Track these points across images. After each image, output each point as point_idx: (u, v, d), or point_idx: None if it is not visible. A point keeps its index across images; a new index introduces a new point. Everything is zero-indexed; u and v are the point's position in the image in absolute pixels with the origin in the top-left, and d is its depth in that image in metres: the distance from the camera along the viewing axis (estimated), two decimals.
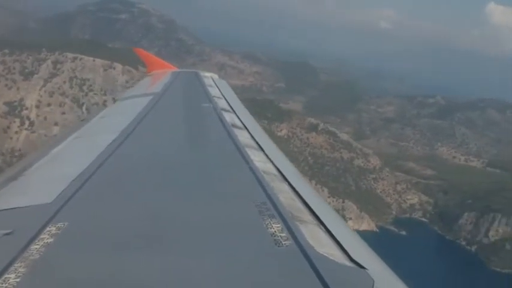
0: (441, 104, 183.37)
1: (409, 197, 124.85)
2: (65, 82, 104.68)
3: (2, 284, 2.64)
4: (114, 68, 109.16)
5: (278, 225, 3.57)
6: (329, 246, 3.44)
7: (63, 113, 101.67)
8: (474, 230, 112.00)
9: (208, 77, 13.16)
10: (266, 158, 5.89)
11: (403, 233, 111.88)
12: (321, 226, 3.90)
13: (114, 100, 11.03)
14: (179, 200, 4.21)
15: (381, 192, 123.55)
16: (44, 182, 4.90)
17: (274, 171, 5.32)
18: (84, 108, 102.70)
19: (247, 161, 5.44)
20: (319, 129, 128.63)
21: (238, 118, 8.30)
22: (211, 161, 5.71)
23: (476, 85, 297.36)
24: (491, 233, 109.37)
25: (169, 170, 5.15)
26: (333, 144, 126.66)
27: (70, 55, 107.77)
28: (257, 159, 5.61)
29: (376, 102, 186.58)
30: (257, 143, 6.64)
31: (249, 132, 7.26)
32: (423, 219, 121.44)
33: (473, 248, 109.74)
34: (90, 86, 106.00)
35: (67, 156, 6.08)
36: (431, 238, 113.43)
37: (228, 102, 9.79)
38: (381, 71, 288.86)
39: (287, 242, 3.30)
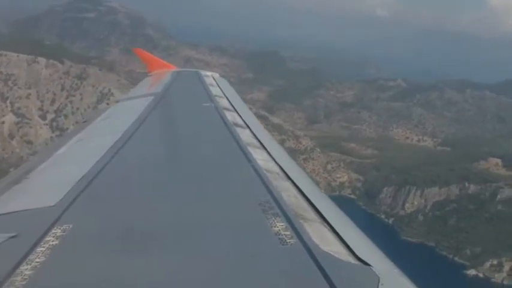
0: (402, 87, 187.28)
1: (338, 176, 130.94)
2: None
3: (9, 286, 2.74)
4: (38, 62, 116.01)
5: (282, 224, 3.62)
6: (333, 244, 3.50)
7: None
8: (393, 203, 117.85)
9: (209, 76, 13.35)
10: (269, 156, 5.94)
11: None
12: (325, 224, 3.94)
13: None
14: (183, 201, 4.30)
15: (310, 171, 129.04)
16: (47, 185, 5.05)
17: (277, 170, 5.37)
18: (8, 102, 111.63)
19: (249, 159, 5.47)
20: None
21: (240, 117, 8.35)
22: (214, 160, 5.76)
23: (464, 67, 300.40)
24: (407, 205, 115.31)
25: (172, 170, 5.26)
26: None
27: None
28: (260, 157, 5.66)
29: (336, 87, 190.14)
30: (259, 141, 6.68)
31: (251, 131, 7.31)
32: (352, 196, 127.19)
33: (391, 221, 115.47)
34: (15, 80, 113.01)
35: (70, 158, 6.20)
36: (351, 213, 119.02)
37: (229, 101, 9.91)
38: (369, 57, 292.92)
39: (291, 241, 3.35)
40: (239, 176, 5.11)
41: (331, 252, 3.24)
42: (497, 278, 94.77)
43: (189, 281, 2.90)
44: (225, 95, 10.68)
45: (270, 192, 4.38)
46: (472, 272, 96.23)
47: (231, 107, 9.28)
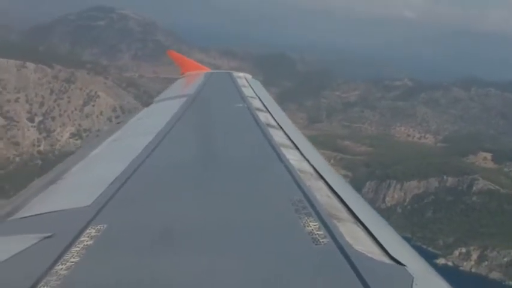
0: (408, 86, 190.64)
1: None
2: None
3: (44, 286, 2.81)
4: (27, 67, 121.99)
5: (315, 224, 3.71)
6: (367, 244, 3.59)
7: None
8: (374, 197, 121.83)
9: (242, 77, 13.68)
10: (302, 156, 6.17)
11: None
12: (358, 223, 4.05)
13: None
14: (216, 201, 4.44)
15: None
16: (82, 185, 5.23)
17: (310, 170, 5.55)
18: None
19: (282, 160, 5.66)
20: None
21: (273, 118, 8.67)
22: (247, 160, 5.95)
23: (483, 65, 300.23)
24: (387, 199, 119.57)
25: (205, 170, 5.41)
26: None
27: None
28: (293, 158, 5.86)
29: (342, 88, 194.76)
30: (292, 142, 6.95)
31: (284, 132, 7.60)
32: None
33: None
34: (5, 85, 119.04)
35: (105, 158, 6.46)
36: None
37: (262, 102, 10.22)
38: (389, 58, 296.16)
39: (325, 240, 3.42)
40: (272, 176, 5.22)
41: (364, 252, 3.31)
42: (466, 266, 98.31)
43: (223, 280, 2.98)
44: (257, 95, 10.95)
45: (303, 191, 4.48)
46: (441, 260, 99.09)
47: (263, 108, 9.50)
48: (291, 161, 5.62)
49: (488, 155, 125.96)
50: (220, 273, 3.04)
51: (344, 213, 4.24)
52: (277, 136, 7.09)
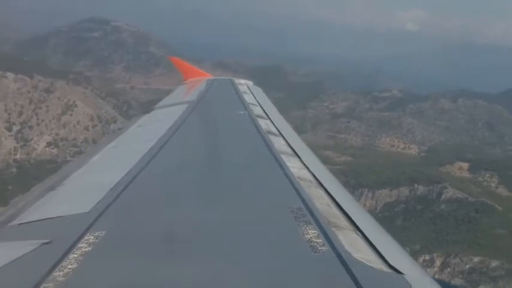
0: (397, 97, 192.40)
1: None
2: None
3: None
4: (7, 77, 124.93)
5: (314, 231, 3.72)
6: (366, 252, 3.60)
7: None
8: None
9: (243, 84, 13.89)
10: (302, 164, 6.20)
11: None
12: (358, 232, 4.07)
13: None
14: (216, 207, 4.47)
15: None
16: (81, 192, 5.28)
17: (310, 178, 5.58)
18: None
19: (282, 167, 5.69)
20: None
21: (274, 125, 8.71)
22: (247, 167, 5.99)
23: (482, 77, 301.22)
24: None
25: (205, 177, 5.48)
26: None
27: None
28: (293, 165, 5.90)
29: (331, 99, 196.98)
30: (293, 149, 6.98)
31: (285, 139, 7.62)
32: None
33: None
34: None
35: (104, 165, 6.52)
36: None
37: (263, 109, 10.36)
38: (387, 71, 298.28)
39: (323, 248, 3.44)
40: (272, 183, 5.33)
41: (363, 260, 3.34)
42: (429, 272, 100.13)
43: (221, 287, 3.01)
44: (258, 102, 11.08)
45: (303, 199, 4.51)
46: None
47: (264, 115, 9.56)
48: (291, 169, 5.68)
49: (465, 165, 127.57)
50: (219, 281, 3.10)
51: (343, 222, 4.28)
52: (278, 143, 7.16)
